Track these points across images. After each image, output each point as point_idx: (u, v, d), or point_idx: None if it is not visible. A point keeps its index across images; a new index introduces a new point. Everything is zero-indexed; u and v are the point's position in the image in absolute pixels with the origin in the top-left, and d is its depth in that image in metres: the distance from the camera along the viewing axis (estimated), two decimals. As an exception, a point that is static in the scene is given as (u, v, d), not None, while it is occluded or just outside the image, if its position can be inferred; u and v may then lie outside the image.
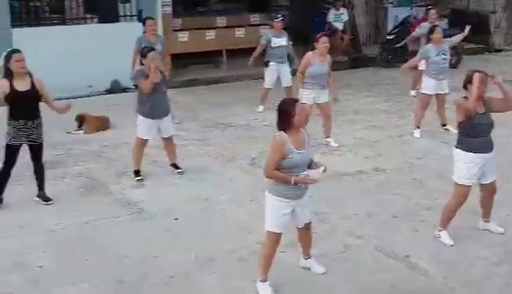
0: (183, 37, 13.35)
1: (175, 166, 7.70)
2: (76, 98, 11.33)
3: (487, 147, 5.62)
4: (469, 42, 15.14)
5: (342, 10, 14.93)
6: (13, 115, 6.42)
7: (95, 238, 5.95)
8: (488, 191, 5.84)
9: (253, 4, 15.16)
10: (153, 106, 7.21)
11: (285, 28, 10.70)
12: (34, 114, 6.49)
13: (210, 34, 13.85)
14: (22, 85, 6.37)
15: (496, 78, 5.56)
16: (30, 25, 11.95)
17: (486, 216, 6.01)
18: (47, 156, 7.96)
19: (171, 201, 6.83)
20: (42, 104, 6.62)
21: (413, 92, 11.34)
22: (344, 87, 11.89)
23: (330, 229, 6.11)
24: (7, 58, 6.36)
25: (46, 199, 6.73)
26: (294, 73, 9.74)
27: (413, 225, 6.20)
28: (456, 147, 5.69)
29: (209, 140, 9.13)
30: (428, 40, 9.11)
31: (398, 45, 12.31)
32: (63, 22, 12.58)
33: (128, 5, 12.91)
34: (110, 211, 6.59)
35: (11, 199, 6.69)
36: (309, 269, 5.26)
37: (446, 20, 14.52)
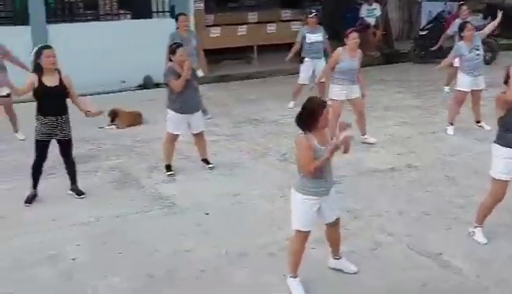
0: (215, 32, 13.41)
1: (206, 161, 7.72)
2: (109, 93, 11.55)
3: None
4: (504, 38, 14.88)
5: (374, 5, 14.81)
6: (41, 111, 6.48)
7: (126, 232, 6.01)
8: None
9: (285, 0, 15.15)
10: (183, 102, 7.24)
11: (319, 24, 10.65)
12: (62, 110, 6.53)
13: (242, 30, 13.88)
14: (51, 81, 6.43)
15: None
16: (65, 21, 12.11)
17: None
18: (80, 150, 8.11)
19: (202, 196, 6.85)
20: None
21: (447, 88, 11.20)
22: (376, 83, 11.81)
23: (361, 225, 6.07)
24: (38, 54, 6.42)
25: (79, 193, 6.81)
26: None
27: (446, 223, 6.12)
28: (495, 142, 5.58)
29: (241, 135, 9.15)
30: (461, 37, 8.96)
31: (434, 48, 12.04)
32: (97, 18, 12.72)
33: (160, 1, 12.99)
34: (142, 205, 6.65)
35: (45, 193, 6.79)
36: (340, 270, 5.16)
37: (481, 15, 14.27)
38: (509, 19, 10.84)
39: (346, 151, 4.68)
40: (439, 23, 14.25)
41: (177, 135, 7.50)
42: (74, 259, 5.47)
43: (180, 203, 6.68)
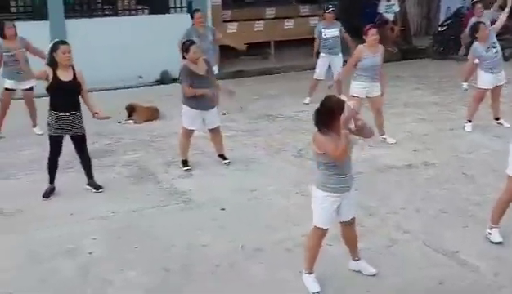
0: (232, 28, 13.40)
1: (222, 156, 7.73)
2: (126, 88, 11.60)
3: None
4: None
5: (393, 0, 14.72)
6: (54, 106, 6.50)
7: (143, 226, 6.04)
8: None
9: (303, -5, 15.11)
10: (199, 99, 7.24)
11: (337, 19, 10.61)
12: (75, 106, 6.55)
13: (259, 25, 13.86)
14: (65, 75, 6.45)
15: None
16: (83, 16, 12.18)
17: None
18: (97, 145, 8.18)
19: (218, 191, 6.87)
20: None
21: (465, 85, 11.08)
22: (394, 79, 11.74)
23: (377, 223, 6.04)
24: (54, 48, 6.43)
25: (96, 187, 6.86)
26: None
27: (463, 221, 6.07)
28: None
29: (257, 131, 9.15)
30: (475, 38, 8.80)
31: (460, 53, 11.79)
32: (115, 13, 12.77)
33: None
34: (158, 200, 6.68)
35: (62, 187, 6.84)
36: (359, 271, 5.11)
37: (495, 7, 14.06)
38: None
39: (357, 127, 4.60)
40: (458, 19, 14.13)
41: (193, 131, 7.51)
42: (91, 253, 5.51)
43: (196, 198, 6.70)
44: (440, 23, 15.32)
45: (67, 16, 11.66)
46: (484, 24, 9.00)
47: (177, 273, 5.18)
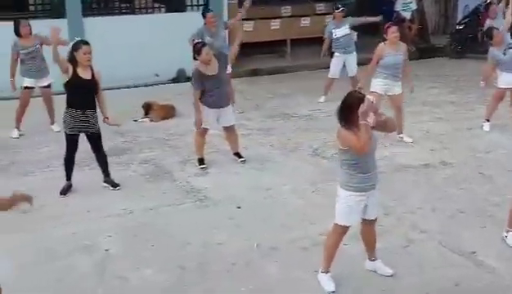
0: (248, 26, 13.37)
1: (238, 155, 7.74)
2: (143, 86, 11.64)
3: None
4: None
5: (410, -1, 14.61)
6: (71, 103, 6.55)
7: (159, 224, 6.06)
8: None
9: (320, -7, 15.03)
10: (213, 97, 7.24)
11: (349, 15, 10.58)
12: (91, 104, 6.60)
13: (275, 24, 13.83)
14: (84, 74, 6.51)
15: None
16: (101, 15, 12.24)
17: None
18: (114, 143, 8.22)
19: (234, 189, 6.87)
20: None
21: (483, 84, 10.98)
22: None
23: (393, 222, 6.01)
24: (76, 47, 6.48)
25: (114, 185, 6.89)
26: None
27: (480, 221, 6.02)
28: None
29: (272, 129, 9.14)
30: (491, 43, 8.71)
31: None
32: (132, 12, 12.83)
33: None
34: (174, 198, 6.70)
35: (79, 184, 6.89)
36: (375, 271, 5.10)
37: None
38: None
39: (379, 123, 4.59)
40: (476, 17, 13.99)
41: (207, 129, 7.52)
42: (107, 250, 5.55)
43: (212, 196, 6.71)
44: (458, 21, 15.19)
45: (85, 14, 11.72)
46: (497, 29, 8.90)
47: (193, 272, 5.19)
